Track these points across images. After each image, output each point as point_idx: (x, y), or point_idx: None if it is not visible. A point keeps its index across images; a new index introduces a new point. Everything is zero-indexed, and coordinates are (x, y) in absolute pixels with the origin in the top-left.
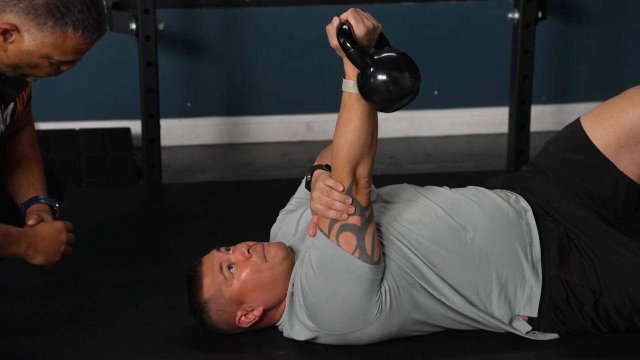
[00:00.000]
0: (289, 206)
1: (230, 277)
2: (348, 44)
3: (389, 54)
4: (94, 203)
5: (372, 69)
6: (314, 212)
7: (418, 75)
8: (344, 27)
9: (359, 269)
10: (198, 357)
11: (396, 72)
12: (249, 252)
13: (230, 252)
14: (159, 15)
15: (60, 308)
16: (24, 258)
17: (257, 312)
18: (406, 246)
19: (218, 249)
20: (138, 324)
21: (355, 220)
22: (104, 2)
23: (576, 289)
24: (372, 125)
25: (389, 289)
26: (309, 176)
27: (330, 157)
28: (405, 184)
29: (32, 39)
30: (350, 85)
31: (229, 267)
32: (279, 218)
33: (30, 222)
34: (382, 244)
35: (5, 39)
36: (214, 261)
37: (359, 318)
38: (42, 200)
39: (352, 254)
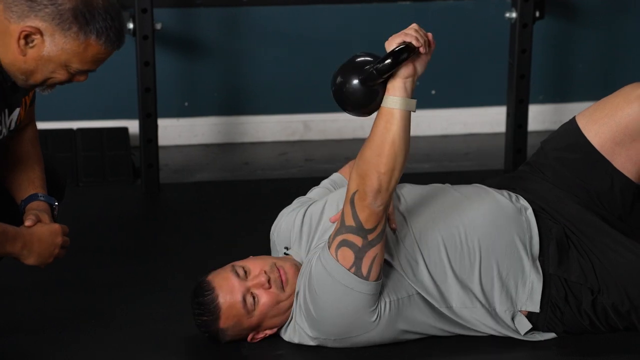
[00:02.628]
0: (310, 194)
1: (252, 309)
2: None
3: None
4: (92, 202)
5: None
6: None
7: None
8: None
9: (355, 285)
10: (197, 356)
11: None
12: (268, 284)
13: (247, 276)
14: (157, 15)
15: (57, 306)
16: (18, 257)
17: (270, 332)
18: (408, 253)
19: (234, 271)
20: (136, 322)
21: (355, 239)
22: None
23: (574, 287)
24: (389, 151)
25: (390, 301)
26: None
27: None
28: (403, 184)
29: (53, 45)
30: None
31: (252, 297)
32: (285, 211)
33: (28, 222)
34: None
35: (26, 43)
36: (233, 290)
37: (357, 327)
38: (41, 198)
39: (349, 269)
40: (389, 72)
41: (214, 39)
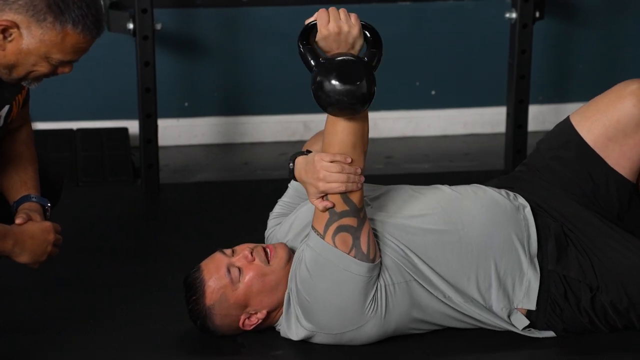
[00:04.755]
0: (277, 209)
1: (237, 279)
2: (301, 42)
3: (330, 59)
4: (92, 202)
5: (313, 71)
6: (328, 192)
7: (346, 89)
8: (310, 24)
9: (355, 268)
10: (196, 356)
11: (323, 78)
12: (251, 255)
13: (234, 254)
14: (157, 15)
15: (57, 306)
16: (9, 256)
17: (261, 315)
18: (404, 244)
19: (221, 251)
20: (135, 322)
21: (350, 221)
22: (102, 2)
23: (574, 284)
24: (361, 127)
25: (385, 285)
26: (291, 164)
27: (316, 142)
28: (400, 185)
29: (31, 37)
30: None
31: (237, 269)
32: (270, 222)
33: (18, 220)
34: (378, 243)
35: (4, 38)
36: (218, 264)
37: (355, 316)
38: (34, 199)
39: (348, 253)
40: (301, 57)
41: (214, 39)
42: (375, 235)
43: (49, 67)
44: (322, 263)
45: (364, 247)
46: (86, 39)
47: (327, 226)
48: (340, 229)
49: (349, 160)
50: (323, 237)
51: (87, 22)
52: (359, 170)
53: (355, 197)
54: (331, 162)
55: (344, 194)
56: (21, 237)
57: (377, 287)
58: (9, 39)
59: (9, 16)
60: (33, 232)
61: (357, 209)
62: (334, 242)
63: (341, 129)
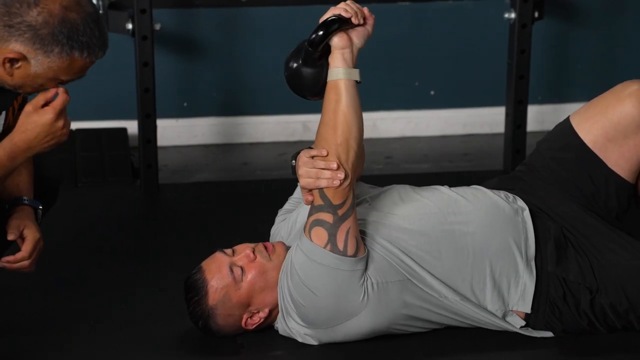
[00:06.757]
0: (287, 205)
1: (240, 279)
2: None
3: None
4: (91, 203)
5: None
6: (305, 188)
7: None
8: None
9: (333, 262)
10: (196, 356)
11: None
12: (253, 254)
13: (234, 254)
14: (156, 15)
15: (57, 306)
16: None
17: (263, 314)
18: (397, 247)
19: (221, 251)
20: (135, 323)
21: (326, 216)
22: (101, 2)
23: (573, 287)
24: (330, 118)
25: (377, 282)
26: (293, 162)
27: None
28: (402, 185)
29: (39, 65)
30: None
31: (240, 268)
32: (277, 219)
33: (10, 237)
34: (370, 243)
35: (12, 65)
36: (220, 264)
37: (344, 308)
38: (25, 201)
39: (324, 247)
40: (322, 43)
41: (213, 39)
42: (367, 236)
43: (55, 86)
44: (303, 259)
45: (340, 245)
46: (92, 60)
47: (307, 219)
48: (315, 223)
49: (324, 153)
50: (304, 230)
51: (92, 46)
52: (334, 166)
53: (330, 193)
54: (311, 157)
55: (320, 190)
56: (18, 142)
57: (367, 281)
58: (17, 66)
59: (15, 47)
60: (23, 127)
61: (332, 205)
62: (310, 236)
63: (320, 123)
